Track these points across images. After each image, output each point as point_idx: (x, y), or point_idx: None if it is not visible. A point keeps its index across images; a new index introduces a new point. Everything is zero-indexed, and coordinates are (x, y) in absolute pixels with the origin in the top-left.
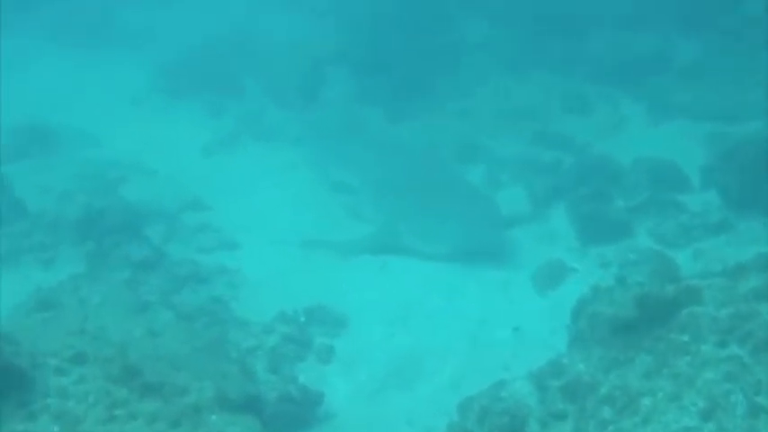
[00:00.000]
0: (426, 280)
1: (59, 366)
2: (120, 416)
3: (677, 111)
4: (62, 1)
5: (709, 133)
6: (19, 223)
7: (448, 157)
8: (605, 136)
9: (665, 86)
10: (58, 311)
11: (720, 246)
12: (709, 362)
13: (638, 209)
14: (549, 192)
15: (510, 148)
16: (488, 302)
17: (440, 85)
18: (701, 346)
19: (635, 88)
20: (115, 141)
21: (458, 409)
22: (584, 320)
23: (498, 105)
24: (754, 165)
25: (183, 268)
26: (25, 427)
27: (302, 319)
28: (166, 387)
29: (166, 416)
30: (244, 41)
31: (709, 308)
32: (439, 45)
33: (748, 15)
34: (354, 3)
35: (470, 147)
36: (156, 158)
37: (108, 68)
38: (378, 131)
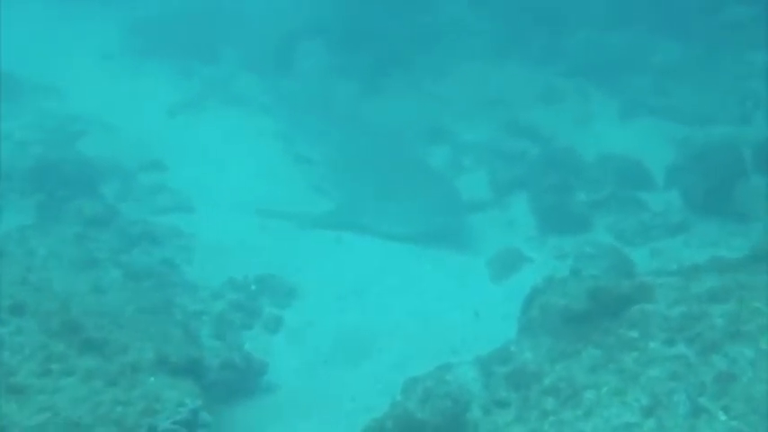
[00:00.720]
0: (382, 259)
1: None
2: (55, 370)
3: (648, 110)
4: None
5: (677, 135)
6: None
7: (414, 137)
8: (573, 129)
9: (639, 85)
10: (1, 260)
11: (677, 246)
12: (656, 359)
13: (600, 204)
14: (512, 180)
15: (477, 134)
16: (443, 286)
17: (415, 64)
18: (650, 343)
19: (608, 85)
20: (80, 96)
21: (401, 390)
22: (536, 310)
23: (471, 91)
24: (720, 169)
25: (136, 228)
26: None
27: (253, 287)
28: (107, 345)
29: (103, 374)
30: (219, 7)
31: (661, 306)
32: (418, 24)
33: (728, 20)
34: None
35: (438, 129)
36: (119, 116)
37: (81, 23)
38: (347, 107)
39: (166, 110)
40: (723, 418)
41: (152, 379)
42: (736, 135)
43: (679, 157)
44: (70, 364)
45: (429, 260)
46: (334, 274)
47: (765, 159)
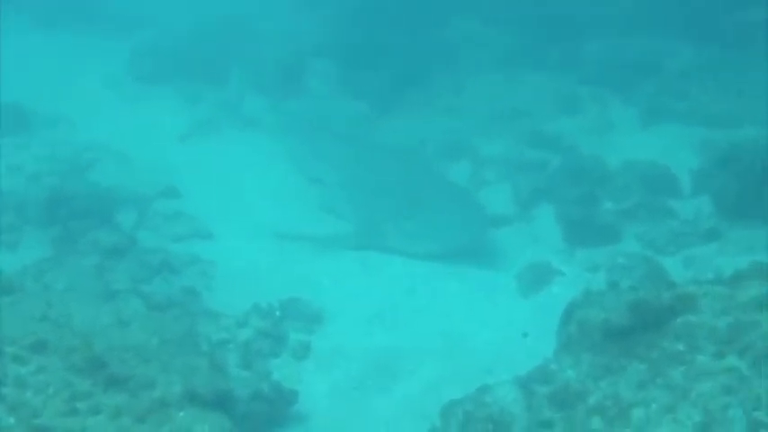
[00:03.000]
0: (407, 279)
1: (17, 354)
2: (81, 409)
3: (669, 115)
4: None
5: (700, 139)
6: None
7: (433, 153)
8: (594, 137)
9: (658, 90)
10: (19, 296)
11: (711, 254)
12: (706, 373)
13: (628, 213)
14: (535, 192)
15: (497, 147)
16: (471, 303)
17: (429, 81)
18: (697, 357)
19: (627, 91)
20: (89, 125)
21: (440, 414)
22: (574, 325)
23: (488, 104)
24: (749, 172)
25: (155, 256)
26: None
27: (278, 313)
28: (132, 380)
29: (131, 410)
30: (225, 28)
31: (706, 316)
32: (430, 40)
33: (745, 22)
34: None
35: (456, 144)
36: (130, 143)
37: (87, 51)
38: (359, 127)
39: (177, 135)
40: None
41: (181, 414)
42: (761, 136)
43: (705, 161)
44: (96, 402)
45: (455, 278)
46: (359, 297)
47: None
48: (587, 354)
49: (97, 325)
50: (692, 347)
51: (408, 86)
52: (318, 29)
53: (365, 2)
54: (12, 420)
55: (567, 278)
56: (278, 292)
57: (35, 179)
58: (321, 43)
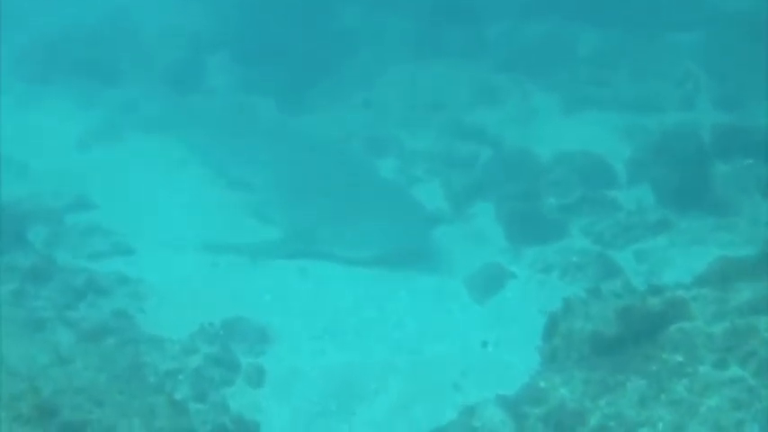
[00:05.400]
0: (352, 287)
1: None
2: None
3: (590, 101)
4: None
5: (625, 125)
6: None
7: (356, 150)
8: (518, 127)
9: (574, 76)
10: None
11: (663, 246)
12: (711, 386)
13: (570, 207)
14: (469, 188)
15: (422, 141)
16: (423, 312)
17: (336, 73)
18: (699, 368)
19: (543, 78)
20: None
21: None
22: (559, 338)
23: (404, 96)
24: (687, 159)
25: (78, 278)
26: None
27: (221, 332)
28: (89, 427)
29: None
30: (113, 23)
31: (700, 323)
32: (328, 32)
33: (643, 2)
34: None
35: (379, 139)
36: (27, 152)
37: None
38: (272, 123)
39: (75, 141)
40: None
41: None
42: (688, 121)
43: (638, 149)
44: None
45: (402, 285)
46: (303, 311)
47: (724, 145)
48: (578, 369)
49: (36, 364)
50: (692, 358)
51: (314, 80)
52: (209, 22)
53: None
54: None
55: (520, 281)
56: (216, 311)
57: None
58: (214, 38)
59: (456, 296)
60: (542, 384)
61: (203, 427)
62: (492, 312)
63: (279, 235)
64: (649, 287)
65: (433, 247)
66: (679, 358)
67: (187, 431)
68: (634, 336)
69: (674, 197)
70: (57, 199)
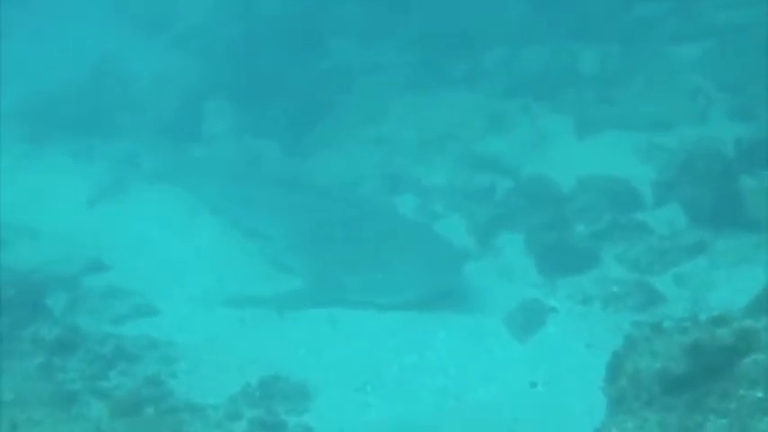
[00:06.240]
0: (387, 334)
1: None
2: None
3: (602, 121)
4: None
5: (642, 144)
6: None
7: (372, 189)
8: (534, 154)
9: (582, 96)
10: None
11: (704, 269)
12: None
13: (601, 234)
14: (493, 220)
15: (438, 176)
16: (464, 354)
17: (336, 111)
18: None
19: (551, 101)
20: None
21: None
22: (624, 379)
23: (414, 129)
24: (715, 176)
25: (106, 346)
26: None
27: (257, 393)
28: None
29: None
30: (104, 76)
31: None
32: (321, 68)
33: (640, 17)
34: (217, 27)
35: (394, 176)
36: (34, 215)
37: None
38: (278, 167)
39: (82, 199)
40: None
41: None
42: (707, 136)
43: (662, 169)
44: None
45: (439, 327)
46: (340, 363)
47: (748, 159)
48: (651, 412)
49: None
50: None
51: (314, 119)
52: (201, 67)
53: (236, 37)
54: None
55: (560, 315)
56: (250, 370)
57: None
58: (208, 83)
59: (495, 335)
60: (615, 431)
61: None
62: (535, 350)
63: (301, 284)
64: (714, 317)
65: (465, 284)
66: (759, 394)
67: None
68: (705, 371)
69: (706, 216)
70: (71, 263)
